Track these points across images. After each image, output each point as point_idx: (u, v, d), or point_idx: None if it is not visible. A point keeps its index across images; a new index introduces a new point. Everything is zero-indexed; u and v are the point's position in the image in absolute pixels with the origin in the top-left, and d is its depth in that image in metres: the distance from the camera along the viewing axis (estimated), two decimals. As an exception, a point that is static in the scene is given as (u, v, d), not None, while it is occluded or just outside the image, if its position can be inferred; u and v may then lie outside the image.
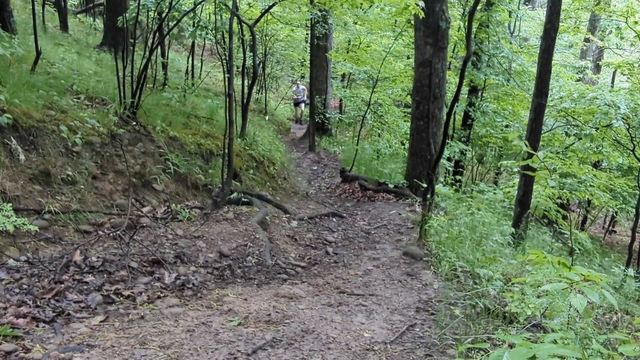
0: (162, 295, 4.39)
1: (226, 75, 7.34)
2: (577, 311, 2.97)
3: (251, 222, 6.41)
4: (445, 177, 11.46)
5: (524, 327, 3.68)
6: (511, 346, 3.40)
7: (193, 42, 13.81)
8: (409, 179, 9.62)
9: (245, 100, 10.24)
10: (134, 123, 7.25)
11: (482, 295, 4.38)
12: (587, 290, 2.62)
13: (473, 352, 3.44)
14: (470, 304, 4.25)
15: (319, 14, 14.06)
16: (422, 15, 7.91)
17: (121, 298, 4.19)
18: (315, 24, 14.57)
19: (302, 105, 21.41)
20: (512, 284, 4.19)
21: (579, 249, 7.71)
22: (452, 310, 4.22)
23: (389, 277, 5.37)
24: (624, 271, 6.63)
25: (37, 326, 3.53)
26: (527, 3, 20.78)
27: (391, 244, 6.81)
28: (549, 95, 8.17)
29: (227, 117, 6.90)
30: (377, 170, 11.59)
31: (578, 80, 17.96)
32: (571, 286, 2.71)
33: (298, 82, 21.65)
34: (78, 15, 18.91)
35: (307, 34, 18.70)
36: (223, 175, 7.11)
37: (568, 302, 2.88)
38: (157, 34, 8.95)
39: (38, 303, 3.82)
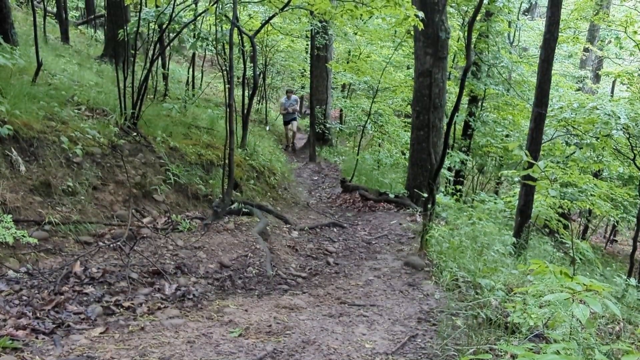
0: (162, 306, 4.37)
1: (227, 85, 7.36)
2: (580, 321, 2.95)
3: (252, 233, 6.40)
4: (446, 186, 11.44)
5: (526, 337, 3.65)
6: (513, 357, 3.38)
7: (193, 53, 13.86)
8: (409, 189, 9.61)
9: (245, 111, 10.26)
10: (135, 134, 7.26)
11: (484, 305, 4.35)
12: (589, 300, 2.61)
13: (475, 363, 3.41)
14: (472, 314, 4.23)
15: (319, 24, 14.13)
16: (421, 26, 7.95)
17: (121, 309, 4.17)
18: (315, 34, 14.63)
19: (295, 123, 16.74)
20: (514, 294, 4.17)
21: (581, 259, 7.68)
22: (453, 321, 4.20)
23: (390, 287, 5.35)
24: (626, 281, 6.60)
25: (36, 338, 3.52)
26: (526, 13, 20.90)
27: (392, 254, 6.79)
28: (549, 104, 8.18)
29: (228, 128, 6.90)
30: (378, 180, 11.58)
31: (578, 90, 18.02)
32: (573, 296, 2.70)
33: (290, 92, 16.54)
34: (79, 27, 19.00)
35: (307, 44, 18.76)
36: (223, 186, 7.10)
37: (570, 313, 2.86)
38: (158, 45, 8.99)
39: (38, 314, 3.80)
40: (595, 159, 12.17)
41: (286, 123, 16.67)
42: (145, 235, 5.78)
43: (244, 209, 7.14)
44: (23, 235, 4.50)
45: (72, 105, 7.14)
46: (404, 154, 14.22)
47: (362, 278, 5.72)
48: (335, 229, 8.17)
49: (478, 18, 11.29)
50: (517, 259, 6.53)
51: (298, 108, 16.55)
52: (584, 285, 2.73)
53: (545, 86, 7.14)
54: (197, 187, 7.48)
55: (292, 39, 18.50)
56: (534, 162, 3.50)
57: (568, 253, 8.24)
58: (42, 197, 5.37)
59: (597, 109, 9.29)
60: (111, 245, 5.25)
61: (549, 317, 3.58)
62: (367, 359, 3.51)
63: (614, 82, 19.98)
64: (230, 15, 7.80)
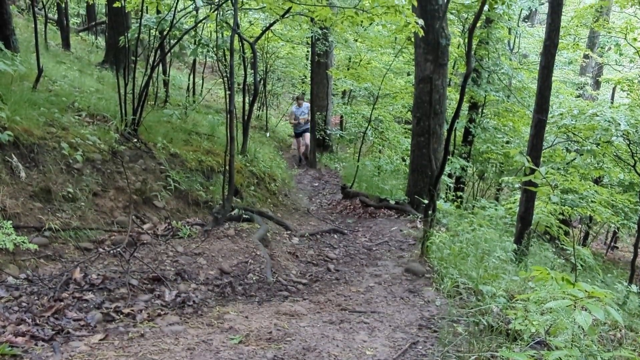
0: (162, 313, 4.35)
1: (227, 92, 7.36)
2: (582, 328, 2.94)
3: (252, 239, 6.39)
4: (446, 193, 11.44)
5: (528, 344, 3.64)
6: (515, 364, 3.36)
7: (194, 60, 13.89)
8: (410, 195, 9.60)
9: (246, 117, 10.27)
10: (135, 140, 7.26)
11: (485, 312, 4.34)
12: (591, 307, 2.60)
13: (477, 370, 3.40)
14: (473, 321, 4.21)
15: (320, 31, 14.16)
16: (421, 33, 7.96)
17: (121, 316, 4.16)
18: (316, 41, 14.65)
19: (308, 135, 14.91)
20: (516, 300, 4.16)
21: (581, 265, 7.67)
22: (455, 328, 4.18)
23: (390, 294, 5.33)
24: (627, 287, 6.58)
25: (36, 345, 3.50)
26: (526, 20, 20.95)
27: (393, 260, 6.78)
28: (550, 111, 8.19)
29: (228, 134, 6.90)
30: (378, 186, 11.57)
31: (578, 97, 18.05)
32: (575, 303, 2.69)
33: (300, 99, 15.43)
34: (80, 34, 19.07)
35: (308, 51, 18.80)
36: (224, 192, 7.09)
37: (572, 319, 2.85)
38: (159, 51, 9.01)
39: (37, 321, 3.79)
40: (596, 165, 12.17)
41: (297, 135, 15.30)
42: (145, 241, 5.77)
43: (244, 216, 7.13)
44: (23, 242, 4.49)
45: (73, 112, 7.14)
46: (404, 160, 14.21)
47: (362, 284, 5.71)
48: (335, 236, 8.15)
49: (478, 25, 11.32)
50: (518, 265, 6.52)
51: (309, 118, 14.65)
52: (586, 292, 2.72)
53: (546, 93, 7.14)
54: (198, 194, 7.47)
55: (292, 46, 18.55)
56: (535, 168, 3.49)
57: (569, 259, 8.22)
58: (42, 203, 5.36)
59: (598, 116, 9.30)
60: (111, 252, 5.24)
61: (551, 324, 3.57)
62: (368, 366, 3.49)
63: (614, 89, 20.02)
64: (231, 22, 7.82)
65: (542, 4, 18.21)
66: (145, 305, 4.43)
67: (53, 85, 8.09)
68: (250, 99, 10.82)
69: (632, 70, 19.20)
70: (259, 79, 14.61)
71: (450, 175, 12.15)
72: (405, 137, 15.04)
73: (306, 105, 15.04)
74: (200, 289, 5.01)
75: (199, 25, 8.92)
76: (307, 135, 15.03)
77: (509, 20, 13.31)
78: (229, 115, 6.95)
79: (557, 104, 13.60)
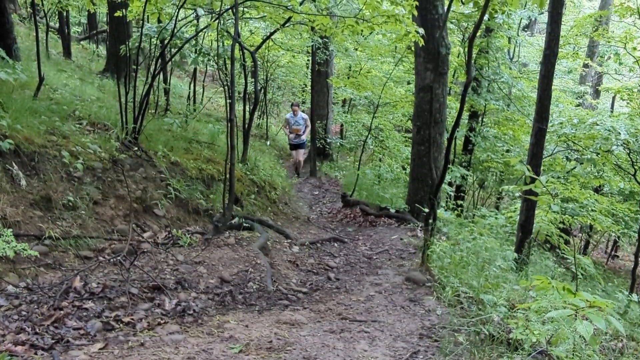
0: (162, 321, 4.34)
1: (228, 100, 7.38)
2: (583, 338, 2.93)
3: (252, 248, 6.38)
4: (446, 201, 11.43)
5: (529, 354, 3.62)
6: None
7: (195, 69, 13.94)
8: (410, 204, 9.59)
9: (246, 126, 10.28)
10: (136, 148, 7.26)
11: (486, 321, 4.32)
12: (592, 316, 2.59)
13: (478, 380, 3.38)
14: (474, 330, 4.20)
15: (320, 40, 14.21)
16: (422, 42, 7.99)
17: (121, 325, 4.14)
18: (316, 50, 14.71)
19: (302, 151, 14.31)
20: (517, 310, 4.14)
21: (582, 274, 7.65)
22: (455, 337, 4.17)
23: (391, 303, 5.32)
24: (628, 297, 6.57)
25: (35, 354, 3.49)
26: (526, 29, 21.04)
27: (393, 269, 6.76)
28: (549, 120, 8.20)
29: (229, 142, 6.91)
30: (379, 195, 11.57)
31: (578, 106, 18.11)
32: (576, 312, 2.68)
33: (295, 107, 13.92)
34: (81, 42, 19.15)
35: (308, 60, 18.87)
36: (224, 201, 7.09)
37: (574, 329, 2.84)
38: (159, 60, 9.04)
39: (37, 330, 3.78)
40: (596, 174, 12.18)
41: (292, 147, 14.46)
42: (145, 250, 5.76)
43: (244, 224, 7.13)
44: (23, 250, 4.48)
45: (74, 120, 7.16)
46: (404, 169, 14.22)
47: (363, 293, 5.69)
48: (336, 244, 8.14)
49: (478, 34, 11.36)
50: (518, 274, 6.51)
51: (303, 128, 13.73)
52: (587, 301, 2.72)
53: (546, 102, 7.16)
54: (198, 202, 7.47)
55: (293, 55, 18.63)
56: (536, 177, 3.49)
57: (570, 268, 8.21)
58: (43, 212, 5.36)
59: (597, 125, 9.32)
60: (111, 260, 5.22)
61: (552, 334, 3.56)
62: (368, 376, 3.48)
63: (613, 98, 20.08)
64: (232, 31, 7.85)
65: (542, 13, 18.29)
66: (145, 314, 4.42)
67: (54, 94, 8.11)
68: (251, 107, 10.84)
69: (632, 80, 19.27)
70: (259, 88, 14.64)
71: (450, 184, 12.15)
72: (406, 146, 15.06)
73: (302, 116, 13.94)
74: (200, 297, 5.00)
75: (199, 34, 8.95)
76: (301, 151, 14.25)
77: (508, 29, 13.37)
78: (229, 124, 6.96)
79: (557, 112, 13.63)
